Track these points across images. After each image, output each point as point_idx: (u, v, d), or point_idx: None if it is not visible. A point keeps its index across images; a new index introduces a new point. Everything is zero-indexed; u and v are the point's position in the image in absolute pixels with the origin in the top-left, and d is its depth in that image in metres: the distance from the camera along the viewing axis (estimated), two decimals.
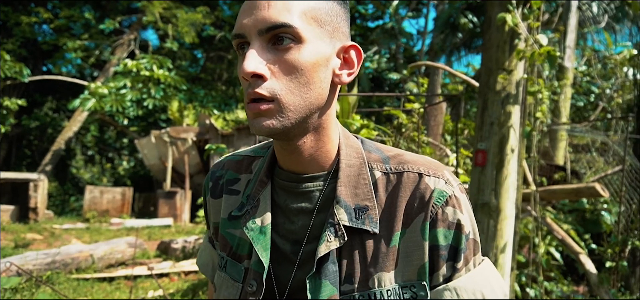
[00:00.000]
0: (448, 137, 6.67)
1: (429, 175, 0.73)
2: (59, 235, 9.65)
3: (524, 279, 3.82)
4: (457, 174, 4.03)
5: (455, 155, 4.41)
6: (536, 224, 3.70)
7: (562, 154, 7.46)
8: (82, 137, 19.51)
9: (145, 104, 13.89)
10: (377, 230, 0.71)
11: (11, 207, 11.91)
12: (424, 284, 0.70)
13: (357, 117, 3.95)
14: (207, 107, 15.41)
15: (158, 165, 13.83)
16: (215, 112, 14.77)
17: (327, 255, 0.71)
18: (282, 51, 0.67)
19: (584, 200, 5.05)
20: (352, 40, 0.77)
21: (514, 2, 2.77)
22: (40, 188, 12.24)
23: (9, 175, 12.25)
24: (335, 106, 0.76)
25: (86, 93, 13.27)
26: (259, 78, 0.67)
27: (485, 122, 2.88)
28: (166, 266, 6.47)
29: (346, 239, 0.70)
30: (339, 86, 0.75)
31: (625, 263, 3.73)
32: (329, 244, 0.70)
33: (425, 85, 6.46)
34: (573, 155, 7.06)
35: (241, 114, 13.70)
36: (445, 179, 0.73)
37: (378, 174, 0.75)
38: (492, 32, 2.89)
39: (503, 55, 2.83)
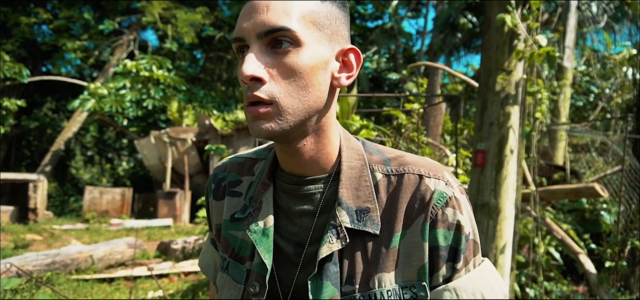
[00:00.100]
0: (447, 137, 6.68)
1: (430, 177, 0.73)
2: (59, 236, 9.64)
3: (523, 279, 3.82)
4: (456, 174, 4.03)
5: (454, 155, 4.42)
6: (536, 224, 3.70)
7: (561, 154, 7.46)
8: (82, 137, 19.51)
9: (144, 104, 13.89)
10: (378, 232, 0.72)
11: (11, 208, 11.91)
12: (424, 285, 0.71)
13: (357, 117, 3.96)
14: (206, 107, 15.42)
15: (157, 166, 13.83)
16: (215, 112, 14.77)
17: (329, 256, 0.71)
18: (281, 54, 0.67)
19: (584, 200, 5.06)
20: (352, 40, 0.77)
21: (513, 2, 2.77)
22: (40, 189, 12.24)
23: (8, 176, 12.24)
24: (335, 109, 0.76)
25: (85, 93, 13.27)
26: (258, 81, 0.67)
27: (484, 122, 2.88)
28: (166, 267, 6.48)
29: (348, 240, 0.71)
30: (338, 89, 0.75)
31: (624, 263, 3.74)
32: (331, 246, 0.71)
33: (425, 86, 6.47)
34: (572, 155, 7.07)
35: (241, 115, 13.71)
36: (445, 181, 0.73)
37: (379, 176, 0.75)
38: (491, 32, 2.89)
39: (502, 55, 2.83)
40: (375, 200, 0.73)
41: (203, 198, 6.29)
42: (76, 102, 13.33)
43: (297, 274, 0.75)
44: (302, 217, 0.76)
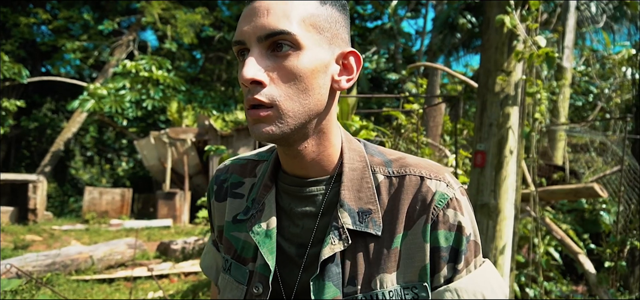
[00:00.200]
0: (447, 138, 6.68)
1: (431, 178, 0.74)
2: (59, 236, 9.64)
3: (523, 279, 3.83)
4: (456, 174, 4.04)
5: (454, 155, 4.42)
6: (535, 224, 3.71)
7: (560, 154, 7.47)
8: (81, 138, 19.50)
9: (144, 104, 13.88)
10: (379, 233, 0.72)
11: (10, 209, 11.90)
12: (426, 285, 0.71)
13: (356, 118, 3.96)
14: (206, 107, 15.41)
15: (157, 166, 13.82)
16: (214, 112, 14.77)
17: (331, 257, 0.72)
18: (281, 58, 0.68)
19: (583, 200, 5.06)
20: (351, 41, 0.78)
21: (512, 3, 2.78)
22: (40, 189, 12.23)
23: (8, 177, 12.23)
24: (335, 111, 0.77)
25: (85, 94, 13.26)
26: (258, 84, 0.67)
27: (484, 123, 2.89)
28: (166, 267, 6.48)
29: (350, 241, 0.72)
30: (338, 92, 0.76)
31: (624, 263, 3.74)
32: (333, 247, 0.71)
33: (424, 86, 6.47)
34: (572, 155, 7.08)
35: (240, 115, 13.70)
36: (446, 182, 0.74)
37: (381, 178, 0.76)
38: (490, 33, 2.90)
39: (502, 56, 2.84)
40: (377, 202, 0.74)
41: (203, 198, 6.30)
42: (76, 103, 13.33)
43: (300, 274, 0.75)
44: (305, 219, 0.77)
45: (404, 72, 15.17)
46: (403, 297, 0.71)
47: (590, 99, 11.39)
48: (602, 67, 10.64)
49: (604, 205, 5.01)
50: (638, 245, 3.68)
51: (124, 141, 20.08)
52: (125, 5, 17.40)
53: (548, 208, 5.01)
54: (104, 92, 13.14)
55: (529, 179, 3.84)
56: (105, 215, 12.95)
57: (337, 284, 0.71)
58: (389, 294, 0.71)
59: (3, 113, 14.09)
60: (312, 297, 0.71)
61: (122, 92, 13.55)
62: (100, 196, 13.26)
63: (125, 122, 14.64)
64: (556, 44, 8.55)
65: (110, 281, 5.91)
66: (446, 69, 5.22)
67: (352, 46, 0.78)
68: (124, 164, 21.16)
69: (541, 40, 2.77)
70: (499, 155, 2.82)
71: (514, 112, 2.84)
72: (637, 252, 4.29)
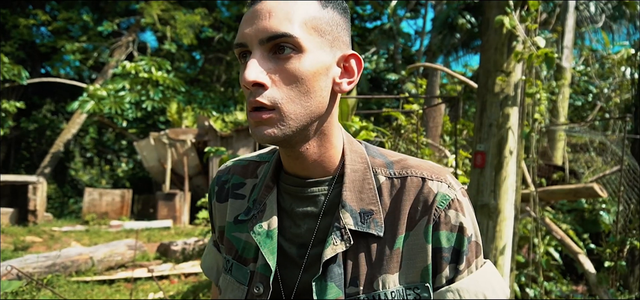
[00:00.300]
0: (447, 138, 6.69)
1: (432, 180, 0.75)
2: (59, 237, 9.64)
3: (523, 279, 3.83)
4: (456, 175, 4.04)
5: (454, 156, 4.43)
6: (535, 224, 3.71)
7: (560, 154, 7.48)
8: (81, 139, 19.49)
9: (144, 105, 13.87)
10: (381, 234, 0.73)
11: (10, 210, 11.89)
12: (427, 286, 0.72)
13: (356, 118, 3.96)
14: (205, 108, 15.41)
15: (157, 167, 13.82)
16: (214, 113, 14.77)
17: (333, 258, 0.72)
18: (283, 60, 0.68)
19: (583, 200, 5.07)
20: (351, 42, 0.78)
21: (511, 3, 2.79)
22: (39, 190, 12.22)
23: (8, 178, 12.22)
24: (336, 113, 0.77)
25: (85, 95, 13.25)
26: (260, 87, 0.68)
27: (484, 123, 2.89)
28: (166, 268, 6.48)
29: (352, 242, 0.72)
30: (339, 94, 0.76)
31: (623, 262, 3.75)
32: (335, 248, 0.72)
33: (424, 87, 6.48)
34: (571, 155, 7.08)
35: (240, 116, 13.70)
36: (447, 183, 0.75)
37: (382, 179, 0.77)
38: (490, 34, 2.91)
39: (501, 57, 2.85)
40: (379, 203, 0.74)
41: (203, 199, 6.31)
42: (75, 104, 13.31)
43: (300, 275, 0.76)
44: (306, 219, 0.77)
45: (403, 73, 15.18)
46: (405, 297, 0.72)
47: (590, 99, 11.40)
48: (601, 66, 10.65)
49: (603, 205, 5.02)
50: (638, 245, 3.69)
51: (124, 142, 20.07)
52: (125, 6, 17.39)
53: (548, 208, 5.01)
54: (104, 93, 13.12)
55: (529, 179, 3.84)
56: (105, 216, 12.95)
57: (339, 285, 0.72)
58: (392, 295, 0.71)
59: (3, 114, 14.09)
60: (315, 298, 0.71)
61: (122, 93, 13.53)
62: (100, 197, 13.26)
63: (124, 123, 14.63)
64: (555, 43, 8.57)
65: (111, 282, 5.92)
66: (446, 69, 5.23)
67: (353, 48, 0.78)
68: (123, 165, 21.15)
69: (540, 40, 2.77)
70: (499, 155, 2.83)
71: (513, 113, 2.85)
72: (636, 251, 4.29)
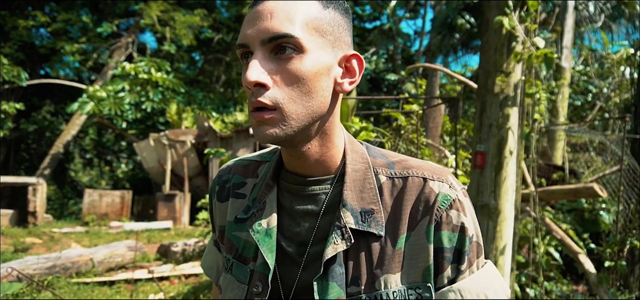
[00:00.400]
0: (447, 138, 6.69)
1: (433, 180, 0.75)
2: (59, 239, 9.63)
3: (523, 279, 3.84)
4: (456, 175, 4.04)
5: (454, 156, 4.43)
6: (535, 224, 3.72)
7: (560, 154, 7.49)
8: (81, 140, 19.46)
9: (143, 106, 13.87)
10: (382, 233, 0.73)
11: (10, 212, 11.89)
12: (429, 286, 0.72)
13: (356, 119, 3.97)
14: (205, 109, 15.40)
15: (157, 168, 13.81)
16: (214, 114, 14.77)
17: (334, 257, 0.72)
18: (284, 61, 0.69)
19: (583, 200, 5.07)
20: (353, 41, 0.79)
21: (510, 4, 2.79)
22: (39, 192, 12.22)
23: (7, 180, 12.22)
24: (338, 113, 0.78)
25: (84, 96, 13.24)
26: (262, 87, 0.69)
27: (483, 124, 2.89)
28: (166, 269, 6.48)
29: (353, 241, 0.72)
30: (341, 94, 0.76)
31: (624, 262, 3.75)
32: (336, 247, 0.72)
33: (424, 87, 6.47)
34: (571, 155, 7.09)
35: (240, 116, 13.70)
36: (449, 184, 0.75)
37: (383, 179, 0.77)
38: (489, 34, 2.91)
39: (501, 57, 2.85)
40: (380, 202, 0.75)
41: (203, 200, 6.32)
42: (75, 105, 13.31)
43: (300, 273, 0.76)
44: (306, 217, 0.77)
45: (403, 73, 15.18)
46: (407, 297, 0.72)
47: (589, 99, 11.41)
48: (600, 66, 10.66)
49: (603, 205, 5.02)
50: (638, 245, 3.69)
51: (124, 143, 20.06)
52: (124, 7, 17.38)
53: (548, 208, 5.02)
54: (103, 94, 13.12)
55: (529, 179, 3.85)
56: (105, 217, 12.94)
57: (340, 284, 0.72)
58: (393, 295, 0.72)
59: (2, 116, 14.07)
60: (316, 298, 0.71)
61: (122, 94, 13.53)
62: (100, 198, 13.25)
63: (124, 124, 14.62)
64: (555, 43, 8.57)
65: (111, 284, 5.92)
66: (445, 69, 5.24)
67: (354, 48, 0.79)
68: (123, 166, 21.13)
69: (540, 41, 2.78)
70: (499, 156, 2.83)
71: (513, 113, 2.85)
72: (637, 251, 4.30)
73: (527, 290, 3.70)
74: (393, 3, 16.38)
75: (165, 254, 7.55)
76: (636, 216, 4.16)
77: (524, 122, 3.11)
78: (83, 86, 14.92)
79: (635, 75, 7.54)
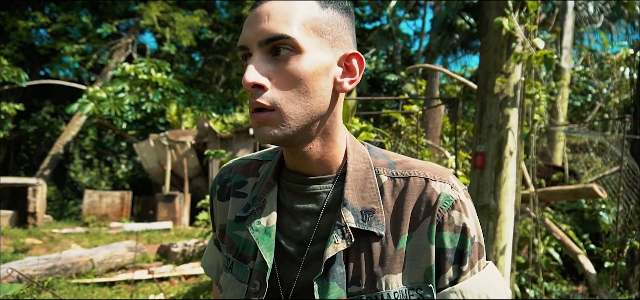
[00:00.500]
0: (446, 139, 6.69)
1: (435, 180, 0.75)
2: (58, 239, 9.63)
3: (523, 279, 3.84)
4: (456, 176, 4.04)
5: (454, 157, 4.43)
6: (535, 225, 3.72)
7: (560, 155, 7.49)
8: (81, 141, 19.46)
9: (143, 107, 13.86)
10: (383, 233, 0.73)
11: (10, 212, 11.88)
12: (431, 287, 0.72)
13: (356, 120, 3.97)
14: (205, 110, 15.40)
15: (157, 169, 13.81)
16: (214, 115, 14.76)
17: (334, 257, 0.72)
18: (282, 62, 0.69)
19: (583, 200, 5.07)
20: (355, 40, 0.79)
21: (510, 4, 2.79)
22: (39, 193, 12.21)
23: (7, 180, 12.21)
24: (340, 112, 0.78)
25: (84, 97, 13.23)
26: (260, 88, 0.69)
27: (483, 124, 2.90)
28: (166, 270, 6.48)
29: (353, 240, 0.72)
30: (342, 93, 0.77)
31: (623, 263, 3.75)
32: (337, 246, 0.72)
33: (423, 87, 6.48)
34: (571, 156, 7.09)
35: (239, 117, 13.70)
36: (451, 184, 0.75)
37: (384, 179, 0.77)
38: (489, 35, 2.91)
39: (500, 58, 2.85)
40: (381, 202, 0.75)
41: (203, 201, 6.30)
42: (75, 106, 13.30)
43: (299, 273, 0.76)
44: (306, 216, 0.77)
45: (402, 74, 15.19)
46: (408, 298, 0.72)
47: (589, 99, 11.41)
48: (600, 67, 10.67)
49: (603, 206, 5.02)
50: (638, 245, 3.69)
51: (124, 144, 20.05)
52: (124, 8, 17.39)
53: (548, 209, 5.02)
54: (103, 95, 13.11)
55: (529, 179, 3.85)
56: (105, 218, 12.94)
57: (341, 284, 0.72)
58: (394, 295, 0.72)
59: (2, 117, 14.06)
60: (317, 297, 0.71)
61: (121, 95, 13.52)
62: (99, 199, 13.25)
63: (124, 125, 14.62)
64: (554, 44, 8.58)
65: (111, 284, 5.92)
66: (445, 70, 5.24)
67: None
68: (123, 166, 21.13)
69: (539, 42, 2.78)
70: (499, 156, 2.83)
71: (513, 114, 2.86)
72: (636, 252, 4.30)
73: (527, 290, 3.70)
74: (393, 3, 16.39)
75: (165, 255, 7.55)
76: (636, 217, 4.16)
77: (523, 123, 3.12)
78: (83, 87, 14.92)
79: (635, 76, 7.54)
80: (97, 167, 20.57)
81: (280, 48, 0.69)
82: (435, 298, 0.73)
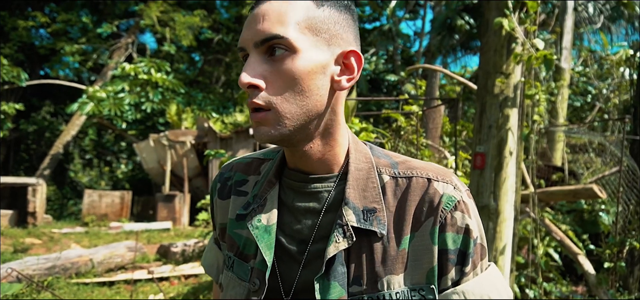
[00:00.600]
0: (446, 139, 6.70)
1: (438, 181, 0.75)
2: (58, 239, 9.63)
3: (523, 280, 3.84)
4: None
5: (454, 157, 4.43)
6: (535, 225, 3.72)
7: (559, 155, 7.49)
8: (80, 141, 19.45)
9: (143, 107, 13.86)
10: (384, 232, 0.73)
11: (10, 212, 11.87)
12: (433, 288, 0.72)
13: (356, 120, 3.97)
14: (205, 110, 15.40)
15: (157, 169, 13.81)
16: (214, 115, 14.76)
17: (335, 256, 0.72)
18: (277, 62, 0.70)
19: (582, 201, 5.08)
20: (355, 37, 0.79)
21: (510, 5, 2.80)
22: (39, 192, 12.21)
23: (7, 180, 12.21)
24: (341, 111, 0.78)
25: (84, 97, 13.22)
26: (256, 89, 0.70)
27: (483, 125, 2.90)
28: (166, 270, 6.48)
29: (354, 239, 0.72)
30: (342, 92, 0.76)
31: (623, 263, 3.75)
32: (338, 245, 0.72)
33: (423, 88, 6.48)
34: (570, 156, 7.10)
35: (239, 117, 13.70)
36: (453, 185, 0.75)
37: (386, 178, 0.77)
38: (489, 35, 2.92)
39: (500, 59, 2.86)
40: (382, 201, 0.75)
41: (203, 201, 6.30)
42: (74, 106, 13.29)
43: (300, 271, 0.76)
44: (308, 215, 0.77)
45: (402, 74, 15.19)
46: (410, 298, 0.72)
47: (589, 100, 11.41)
48: (600, 67, 10.67)
49: (603, 206, 5.03)
50: (637, 246, 3.70)
51: (123, 144, 20.04)
52: (124, 8, 17.38)
53: (547, 209, 5.02)
54: (103, 95, 13.10)
55: (528, 180, 3.85)
56: (104, 218, 12.93)
57: (342, 284, 0.72)
58: (396, 296, 0.72)
59: (2, 116, 14.06)
60: (318, 297, 0.71)
61: (121, 94, 13.51)
62: (99, 199, 13.24)
63: (124, 125, 14.61)
64: (554, 45, 8.58)
65: (111, 284, 5.92)
66: (445, 70, 5.24)
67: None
68: (123, 166, 21.12)
69: (539, 42, 2.79)
70: (499, 156, 2.84)
71: (513, 114, 2.86)
72: (636, 252, 4.30)
73: (527, 291, 3.70)
74: (393, 4, 16.39)
75: (165, 255, 7.55)
76: (635, 217, 4.17)
77: (523, 123, 3.12)
78: (83, 87, 14.91)
79: (635, 77, 7.54)
80: (97, 167, 20.57)
81: (275, 48, 0.69)
82: (437, 299, 0.73)
